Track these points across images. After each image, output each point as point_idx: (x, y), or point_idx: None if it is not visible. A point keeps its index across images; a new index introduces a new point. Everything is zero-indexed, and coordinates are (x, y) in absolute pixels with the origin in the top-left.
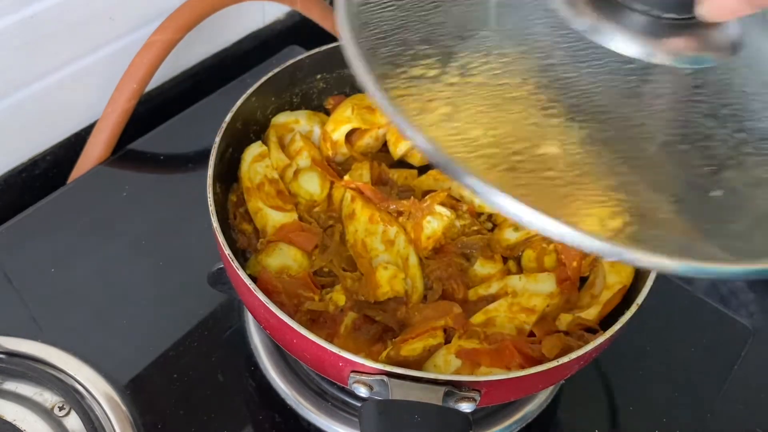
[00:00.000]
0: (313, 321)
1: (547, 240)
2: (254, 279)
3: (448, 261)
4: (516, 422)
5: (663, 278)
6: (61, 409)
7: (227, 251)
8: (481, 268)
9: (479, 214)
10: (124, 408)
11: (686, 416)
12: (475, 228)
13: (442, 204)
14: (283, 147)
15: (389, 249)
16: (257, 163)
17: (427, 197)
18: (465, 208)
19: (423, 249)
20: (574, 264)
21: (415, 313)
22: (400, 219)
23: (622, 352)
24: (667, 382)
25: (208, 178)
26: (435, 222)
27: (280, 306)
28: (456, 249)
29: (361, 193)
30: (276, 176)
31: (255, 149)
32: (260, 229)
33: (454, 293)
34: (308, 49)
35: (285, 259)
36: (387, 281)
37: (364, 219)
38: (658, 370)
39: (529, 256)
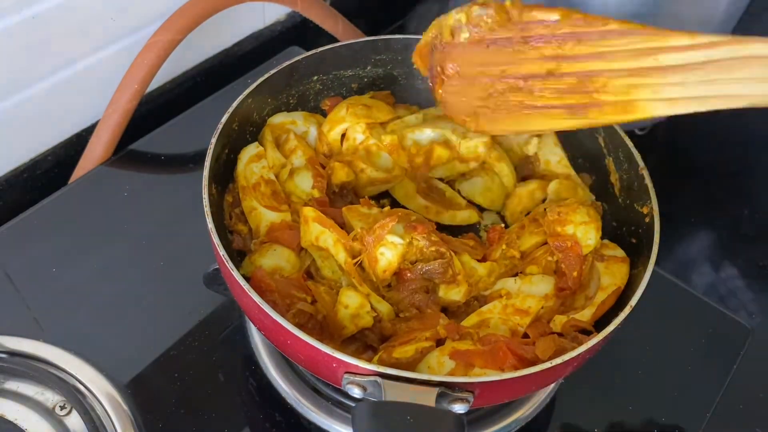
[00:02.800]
0: (301, 326)
1: (551, 252)
2: (248, 279)
3: (414, 288)
4: (515, 422)
5: (661, 279)
6: (62, 408)
7: (222, 252)
8: (446, 294)
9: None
10: (125, 407)
11: (686, 416)
12: (433, 249)
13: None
14: (278, 147)
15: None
16: (253, 163)
17: (376, 225)
18: (418, 233)
19: (381, 281)
20: (575, 274)
21: (402, 325)
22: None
23: (621, 352)
24: (666, 382)
25: (203, 179)
26: (388, 253)
27: (273, 305)
28: (417, 275)
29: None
30: (272, 177)
31: (251, 150)
32: (254, 229)
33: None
34: (308, 50)
35: (278, 259)
36: (350, 321)
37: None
38: (657, 370)
39: (532, 272)
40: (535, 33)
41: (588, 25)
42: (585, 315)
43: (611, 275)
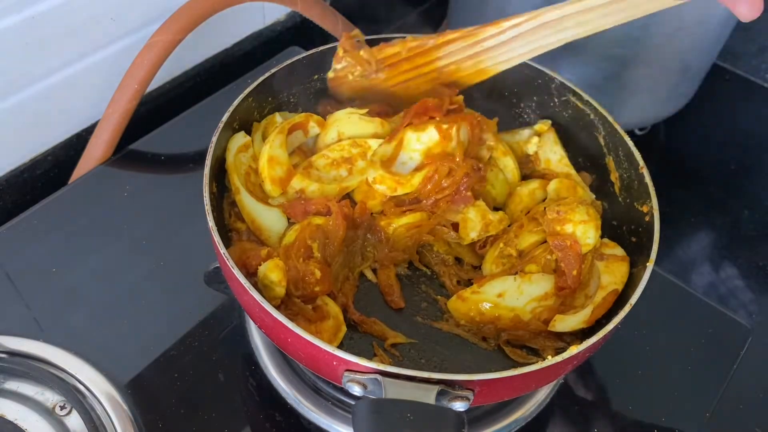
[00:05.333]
0: None
1: (550, 251)
2: None
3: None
4: (515, 421)
5: (661, 278)
6: (62, 408)
7: (223, 250)
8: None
9: None
10: (125, 407)
11: (686, 416)
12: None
13: None
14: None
15: None
16: (242, 153)
17: None
18: None
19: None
20: (575, 273)
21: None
22: None
23: (621, 351)
24: (666, 382)
25: (204, 177)
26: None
27: None
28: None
29: None
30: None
31: (239, 140)
32: (248, 223)
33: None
34: (308, 49)
35: None
36: None
37: None
38: (657, 370)
39: (531, 271)
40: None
41: (423, 44)
42: (585, 314)
43: (611, 274)
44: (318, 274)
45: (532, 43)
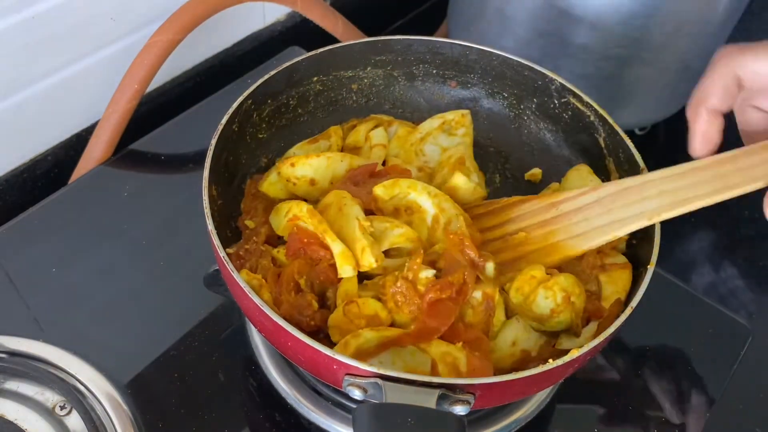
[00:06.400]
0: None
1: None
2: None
3: None
4: (515, 421)
5: (661, 279)
6: (62, 408)
7: (222, 254)
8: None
9: None
10: (125, 407)
11: (686, 416)
12: None
13: None
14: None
15: None
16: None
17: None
18: None
19: None
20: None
21: None
22: None
23: (621, 351)
24: (666, 382)
25: (203, 180)
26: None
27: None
28: None
29: None
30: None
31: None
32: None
33: None
34: (309, 50)
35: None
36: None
37: None
38: (657, 370)
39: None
40: None
41: (492, 204)
42: (590, 329)
43: (613, 283)
44: (315, 305)
45: (611, 214)
